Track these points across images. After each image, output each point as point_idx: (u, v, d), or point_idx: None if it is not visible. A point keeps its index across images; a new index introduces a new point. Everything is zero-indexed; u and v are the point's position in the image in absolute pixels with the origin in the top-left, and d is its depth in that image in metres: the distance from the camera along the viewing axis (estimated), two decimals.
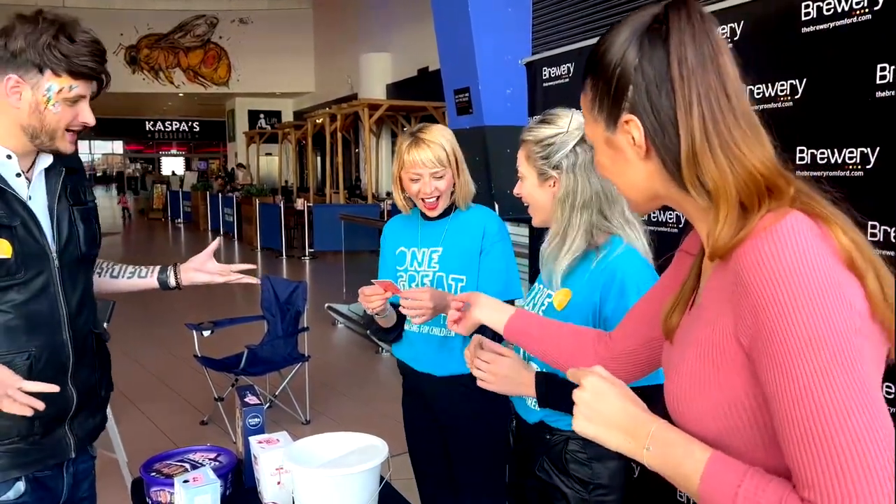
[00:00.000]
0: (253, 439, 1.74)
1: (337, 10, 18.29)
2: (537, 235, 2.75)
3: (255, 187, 16.13)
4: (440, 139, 2.00)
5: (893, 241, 1.73)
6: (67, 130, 1.53)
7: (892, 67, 1.70)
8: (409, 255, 2.14)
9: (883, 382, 1.71)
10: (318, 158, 20.22)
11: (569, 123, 1.53)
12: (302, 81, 20.76)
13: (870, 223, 1.77)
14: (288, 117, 22.11)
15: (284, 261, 11.96)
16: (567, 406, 1.35)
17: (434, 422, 2.16)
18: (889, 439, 0.71)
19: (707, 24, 0.87)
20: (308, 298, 4.50)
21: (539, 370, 1.53)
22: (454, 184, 2.05)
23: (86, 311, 1.65)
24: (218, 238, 2.15)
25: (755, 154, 0.84)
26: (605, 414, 0.90)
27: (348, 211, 11.23)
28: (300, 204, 13.00)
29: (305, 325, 4.43)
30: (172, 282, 1.88)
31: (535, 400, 1.52)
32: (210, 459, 1.80)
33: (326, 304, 7.33)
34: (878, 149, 1.75)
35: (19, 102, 1.48)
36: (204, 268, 1.90)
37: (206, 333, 4.20)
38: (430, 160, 1.98)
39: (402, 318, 2.11)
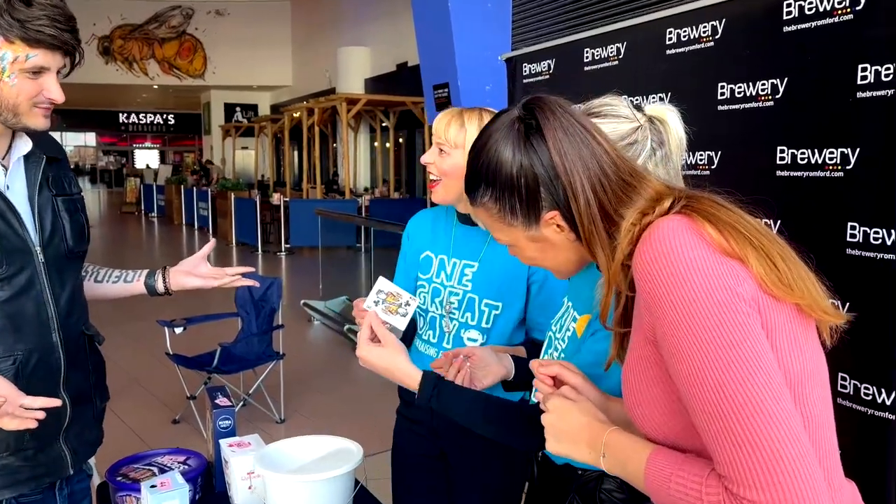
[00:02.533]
0: (223, 442, 1.69)
1: (315, 3, 18.14)
2: None
3: (231, 181, 15.96)
4: (472, 121, 1.68)
5: (872, 241, 1.72)
6: (35, 106, 1.38)
7: (874, 68, 1.69)
8: (437, 264, 1.81)
9: (862, 384, 1.71)
10: (295, 153, 20.07)
11: (633, 112, 1.22)
12: (279, 75, 20.57)
13: (849, 224, 1.77)
14: (265, 111, 21.91)
15: (260, 256, 11.84)
16: (455, 412, 1.31)
17: (439, 458, 1.87)
18: (781, 412, 0.76)
19: (568, 110, 0.97)
20: (283, 295, 4.44)
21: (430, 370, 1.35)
22: None
23: (76, 310, 1.53)
24: (212, 240, 1.93)
25: (632, 208, 0.93)
26: (569, 431, 0.97)
27: (325, 206, 11.15)
28: (276, 199, 12.88)
29: (280, 323, 4.37)
30: (161, 287, 1.74)
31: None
32: (179, 463, 1.75)
33: (302, 301, 7.26)
34: (858, 149, 1.74)
35: None
36: (196, 271, 1.75)
37: (179, 330, 4.12)
38: (442, 127, 1.70)
39: (411, 330, 1.81)
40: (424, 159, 1.75)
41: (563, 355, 1.38)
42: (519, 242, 1.04)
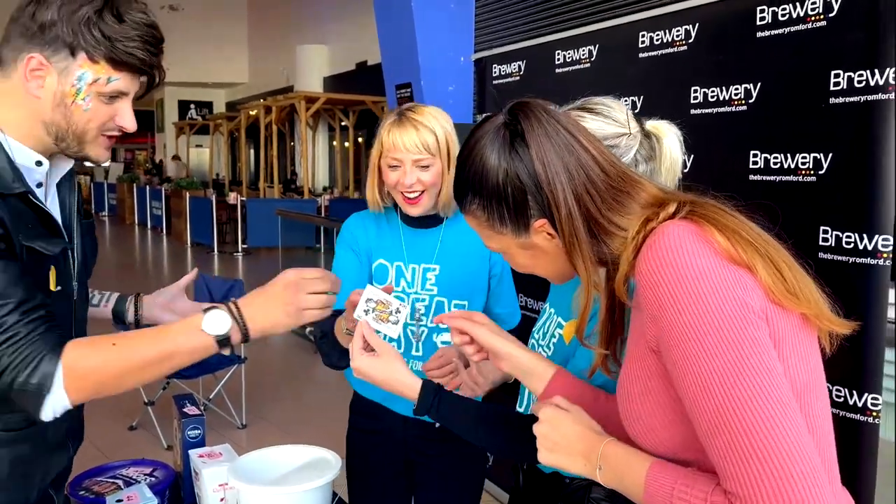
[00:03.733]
0: (193, 453, 1.63)
1: (273, 0, 17.90)
2: None
3: (185, 180, 15.63)
4: (431, 121, 1.64)
5: (845, 245, 1.75)
6: (102, 134, 1.21)
7: (847, 74, 1.72)
8: (394, 272, 1.74)
9: (834, 385, 1.74)
10: (252, 151, 19.77)
11: (628, 121, 1.21)
12: (235, 72, 20.24)
13: (821, 228, 1.79)
14: (220, 108, 21.54)
15: (216, 257, 11.62)
16: (456, 423, 1.25)
17: (405, 474, 1.83)
18: (791, 427, 0.74)
19: (553, 115, 0.94)
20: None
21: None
22: (446, 186, 1.66)
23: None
24: (194, 270, 1.70)
25: (624, 217, 0.92)
26: (562, 443, 0.94)
27: (284, 206, 10.99)
28: (233, 198, 12.67)
29: None
30: (131, 317, 1.55)
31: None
32: (145, 475, 1.68)
33: None
34: (830, 154, 1.77)
35: (41, 90, 1.15)
36: (174, 305, 1.56)
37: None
38: (413, 144, 1.61)
39: None
40: (407, 182, 1.65)
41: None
42: (510, 250, 1.02)
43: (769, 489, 0.72)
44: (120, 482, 1.64)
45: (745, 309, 0.78)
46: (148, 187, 15.84)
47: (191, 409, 1.76)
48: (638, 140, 1.21)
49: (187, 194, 12.96)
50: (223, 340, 1.15)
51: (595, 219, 0.92)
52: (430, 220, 1.75)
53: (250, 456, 1.54)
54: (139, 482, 1.62)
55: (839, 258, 1.75)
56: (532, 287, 2.84)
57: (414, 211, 1.69)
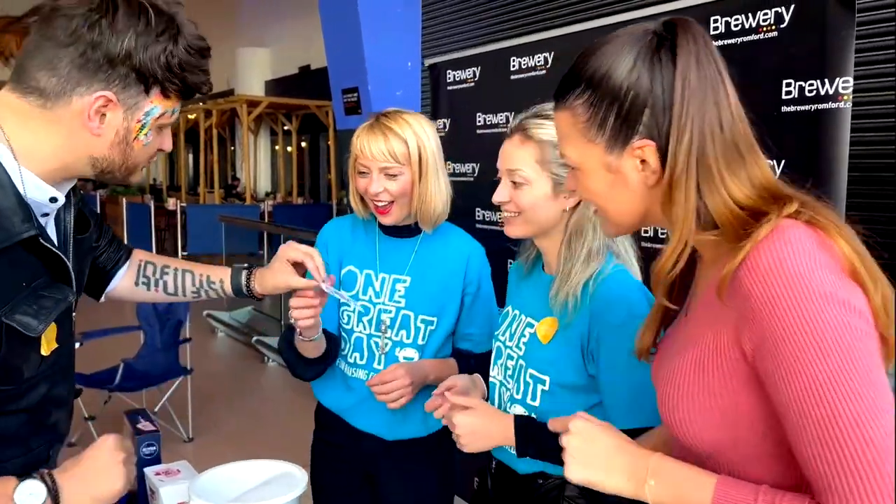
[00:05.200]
0: (149, 470, 1.56)
1: (211, 1, 17.53)
2: None
3: (122, 186, 15.14)
4: (404, 129, 1.58)
5: None
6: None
7: (798, 83, 1.77)
8: (363, 280, 1.69)
9: None
10: (191, 156, 19.30)
11: None
12: None
13: None
14: None
15: None
16: (549, 454, 1.27)
17: (369, 488, 1.77)
18: None
19: (710, 46, 0.85)
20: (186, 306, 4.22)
21: (518, 415, 1.34)
22: (422, 199, 1.61)
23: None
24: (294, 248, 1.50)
25: (739, 187, 0.83)
26: (599, 457, 0.87)
27: (226, 212, 10.76)
28: (172, 204, 12.33)
29: (188, 336, 4.15)
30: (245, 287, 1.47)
31: (518, 457, 1.34)
32: None
33: (205, 312, 6.95)
34: (783, 162, 1.82)
35: (101, 128, 1.02)
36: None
37: (75, 346, 3.83)
38: (380, 151, 1.56)
39: (333, 348, 1.67)
40: (373, 190, 1.60)
41: (522, 362, 1.38)
42: (589, 165, 0.91)
43: None
44: None
45: (869, 325, 0.75)
46: (81, 193, 15.26)
47: (145, 425, 1.68)
48: None
49: (124, 200, 12.56)
50: None
51: (708, 165, 0.83)
52: (407, 230, 1.70)
53: (211, 472, 1.49)
54: None
55: None
56: None
57: (385, 220, 1.64)
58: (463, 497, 3.03)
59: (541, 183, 1.32)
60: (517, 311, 1.47)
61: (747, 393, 0.80)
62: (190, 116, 14.84)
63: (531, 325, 1.40)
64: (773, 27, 1.82)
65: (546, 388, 1.33)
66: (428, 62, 3.15)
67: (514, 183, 1.34)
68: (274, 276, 1.46)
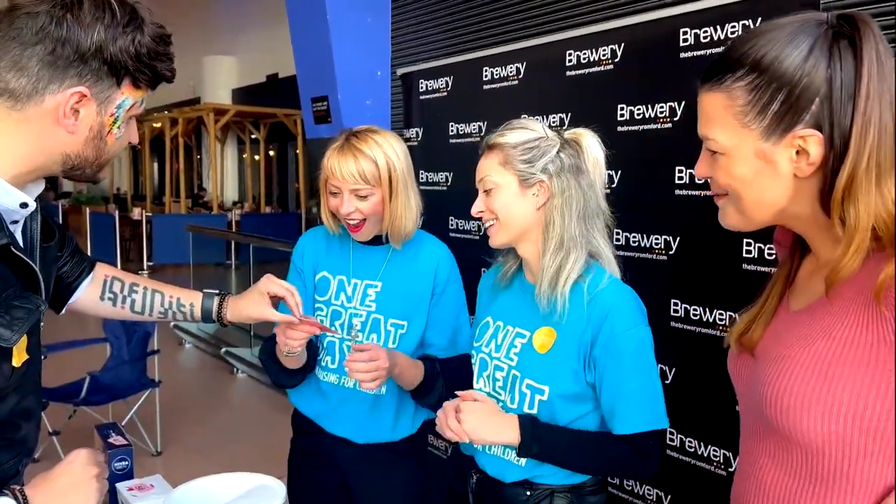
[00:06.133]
0: (121, 486, 1.53)
1: (177, 8, 17.31)
2: None
3: (84, 195, 14.86)
4: (374, 149, 1.60)
5: (767, 257, 1.84)
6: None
7: None
8: (336, 285, 1.71)
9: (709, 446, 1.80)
10: (156, 165, 19.03)
11: (545, 129, 1.39)
12: None
13: (745, 240, 1.88)
14: None
15: None
16: (551, 454, 1.34)
17: (339, 489, 1.77)
18: None
19: (885, 43, 0.83)
20: None
21: (523, 414, 1.37)
22: (394, 216, 1.64)
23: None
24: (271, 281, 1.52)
25: (887, 185, 0.81)
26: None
27: (193, 221, 10.63)
28: (137, 213, 12.14)
29: (156, 348, 4.08)
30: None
31: (518, 456, 1.38)
32: None
33: (172, 323, 6.84)
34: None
35: (76, 125, 1.00)
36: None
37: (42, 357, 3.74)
38: (350, 174, 1.58)
39: (312, 357, 1.70)
40: (345, 210, 1.62)
41: (516, 372, 1.40)
42: (738, 152, 0.87)
43: None
44: None
45: None
46: (44, 202, 14.96)
47: (116, 439, 1.65)
48: (557, 143, 1.38)
49: (87, 210, 12.34)
50: None
51: (879, 163, 0.79)
52: (380, 239, 1.72)
53: (186, 487, 1.46)
54: None
55: (762, 269, 1.83)
56: None
57: (358, 237, 1.68)
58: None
59: (507, 181, 1.38)
60: (500, 322, 1.48)
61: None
62: (155, 125, 14.64)
63: (522, 336, 1.42)
64: None
65: (545, 397, 1.35)
66: (400, 71, 3.16)
67: (486, 192, 1.40)
68: (248, 305, 1.48)
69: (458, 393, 1.39)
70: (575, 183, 1.37)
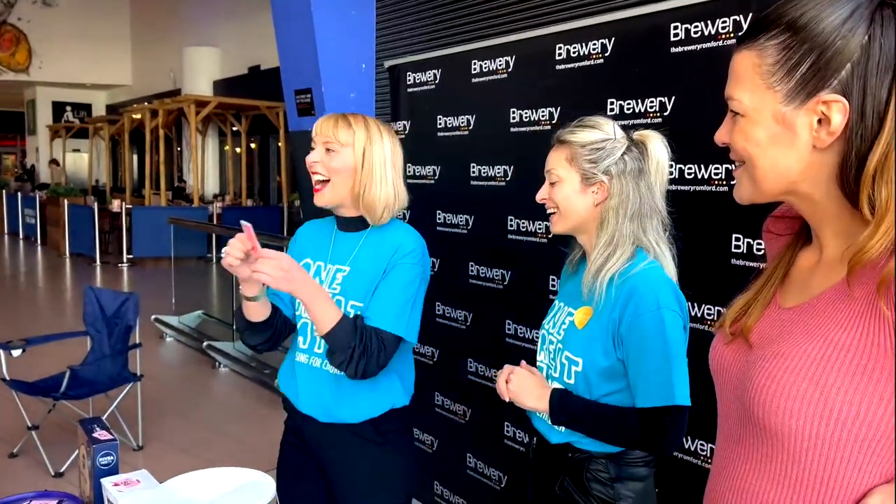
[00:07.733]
0: (106, 481, 1.51)
1: None
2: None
3: (63, 187, 14.63)
4: (359, 123, 1.69)
5: (756, 252, 1.85)
6: None
7: None
8: (314, 270, 1.79)
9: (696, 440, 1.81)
10: (135, 157, 18.79)
11: (614, 131, 1.50)
12: (117, 73, 19.18)
13: (734, 235, 1.89)
14: (100, 111, 20.35)
15: (99, 268, 10.94)
16: (577, 425, 1.48)
17: (319, 471, 1.82)
18: None
19: None
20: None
21: (556, 388, 1.54)
22: (363, 187, 1.68)
23: None
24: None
25: None
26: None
27: (173, 214, 10.50)
28: (117, 205, 11.98)
29: (138, 342, 4.03)
30: None
31: (552, 424, 1.54)
32: None
33: (154, 317, 6.77)
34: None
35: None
36: None
37: (17, 353, 3.69)
38: (327, 128, 1.68)
39: (281, 324, 1.76)
40: (311, 159, 1.71)
41: (560, 345, 1.56)
42: (758, 115, 0.84)
43: None
44: None
45: None
46: (20, 194, 14.75)
47: (101, 434, 1.63)
48: (623, 145, 1.49)
49: (65, 202, 12.15)
50: None
51: None
52: (357, 225, 1.77)
53: (174, 482, 1.45)
54: None
55: (751, 263, 1.84)
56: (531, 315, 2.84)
57: (318, 201, 1.72)
58: (419, 498, 3.01)
59: (571, 177, 1.51)
60: (562, 304, 1.64)
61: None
62: (135, 116, 14.44)
63: (571, 314, 1.57)
64: (731, 34, 1.86)
65: (579, 368, 1.49)
66: (388, 64, 3.13)
67: (551, 183, 1.54)
68: None
69: (522, 362, 1.58)
70: (633, 185, 1.49)
